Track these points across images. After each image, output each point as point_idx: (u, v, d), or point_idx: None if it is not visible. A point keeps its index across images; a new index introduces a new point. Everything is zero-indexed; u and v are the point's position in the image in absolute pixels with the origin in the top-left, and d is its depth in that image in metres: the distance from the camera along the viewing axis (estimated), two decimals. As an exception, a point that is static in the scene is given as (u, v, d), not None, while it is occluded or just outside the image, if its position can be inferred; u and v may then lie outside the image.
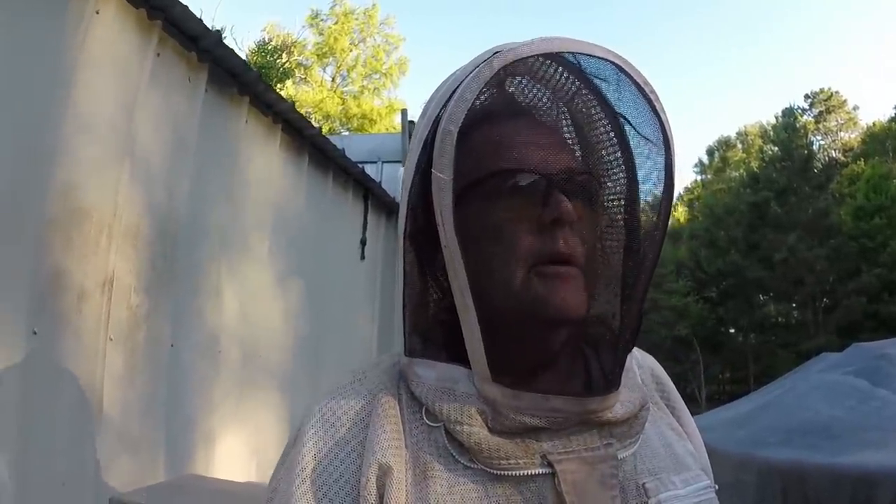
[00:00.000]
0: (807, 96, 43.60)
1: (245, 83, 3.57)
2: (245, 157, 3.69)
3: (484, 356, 0.82)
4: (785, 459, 4.16)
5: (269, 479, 0.92)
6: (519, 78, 0.94)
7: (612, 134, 0.93)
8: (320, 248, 4.49)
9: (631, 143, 0.91)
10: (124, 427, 2.59)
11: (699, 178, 54.06)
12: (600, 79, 0.90)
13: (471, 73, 0.84)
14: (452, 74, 0.91)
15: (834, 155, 41.60)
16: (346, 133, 25.76)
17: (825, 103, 42.43)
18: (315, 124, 4.71)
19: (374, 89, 31.46)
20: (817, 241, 34.83)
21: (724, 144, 51.35)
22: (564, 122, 0.98)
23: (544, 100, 0.97)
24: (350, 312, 4.99)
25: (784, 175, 38.93)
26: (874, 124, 40.46)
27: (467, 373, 0.86)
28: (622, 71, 0.85)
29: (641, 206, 0.90)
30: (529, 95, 0.96)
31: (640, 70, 0.86)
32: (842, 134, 42.31)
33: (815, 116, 42.69)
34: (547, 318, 0.83)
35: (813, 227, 35.26)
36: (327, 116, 28.55)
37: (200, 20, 3.05)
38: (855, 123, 42.28)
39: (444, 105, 0.86)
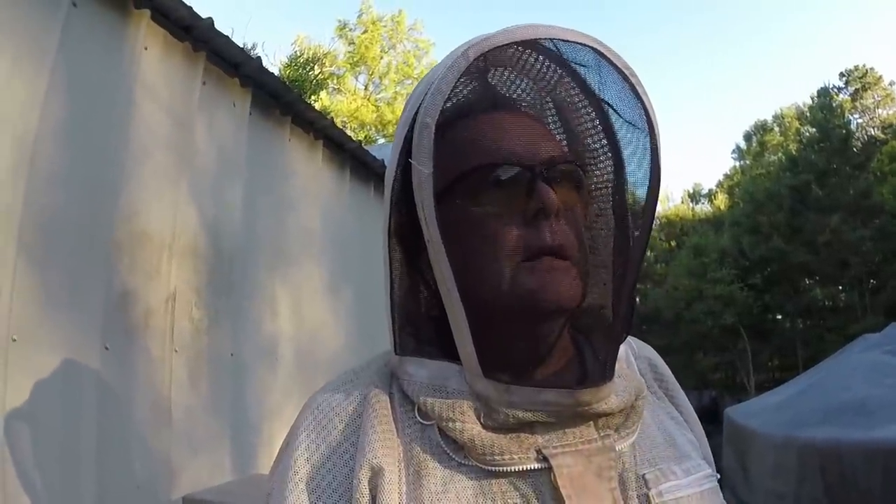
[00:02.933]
0: (841, 74, 42.60)
1: (287, 104, 3.73)
2: (291, 173, 3.84)
3: (474, 353, 0.81)
4: (822, 438, 4.19)
5: (267, 482, 0.91)
6: (500, 69, 0.93)
7: (596, 120, 0.92)
8: (366, 255, 4.60)
9: (615, 129, 0.90)
10: (192, 432, 2.74)
11: (738, 163, 53.21)
12: (580, 64, 0.89)
13: (447, 65, 0.82)
14: (434, 68, 0.88)
15: (873, 133, 40.55)
16: (382, 140, 25.87)
17: (861, 80, 41.47)
18: (351, 133, 4.82)
19: (407, 95, 31.44)
20: (860, 221, 34.09)
21: (762, 128, 50.32)
22: (548, 111, 0.97)
23: (526, 90, 0.96)
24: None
25: (823, 156, 38.15)
26: (912, 99, 39.62)
27: (459, 369, 0.85)
28: (601, 55, 0.83)
29: (628, 191, 0.89)
30: (511, 86, 0.95)
31: (619, 53, 0.84)
32: (879, 111, 41.25)
33: (851, 95, 41.68)
34: (538, 312, 0.82)
35: (855, 208, 34.53)
36: (363, 124, 28.64)
37: (241, 48, 3.22)
38: (892, 99, 41.18)
39: (423, 99, 0.83)
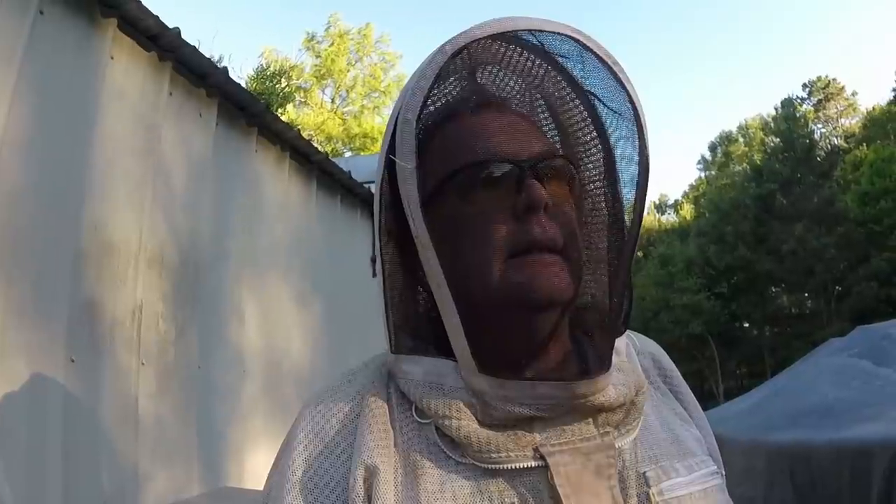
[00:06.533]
0: (804, 85, 43.42)
1: (253, 115, 3.72)
2: (258, 184, 3.82)
3: (467, 349, 0.80)
4: (790, 440, 4.25)
5: (265, 483, 0.92)
6: (484, 66, 0.93)
7: (582, 111, 0.92)
8: (335, 267, 4.59)
9: (600, 118, 0.90)
10: (159, 446, 2.70)
11: (703, 174, 53.87)
12: (562, 55, 0.89)
13: (427, 62, 0.82)
14: (418, 66, 0.86)
15: (836, 142, 41.35)
16: (349, 154, 25.85)
17: (823, 91, 42.24)
18: (318, 146, 4.83)
19: (374, 108, 31.51)
20: (825, 229, 34.64)
21: (726, 139, 51.00)
22: (534, 106, 0.98)
23: (510, 85, 0.96)
24: (367, 325, 5.09)
25: (787, 166, 38.78)
26: (874, 108, 40.25)
27: (454, 366, 0.84)
28: (582, 45, 0.83)
29: (618, 180, 0.89)
30: (496, 83, 0.96)
31: (599, 42, 0.84)
32: (842, 120, 42.06)
33: (814, 105, 42.46)
34: (529, 306, 0.80)
35: (819, 216, 35.10)
36: (329, 138, 28.61)
37: (209, 59, 3.21)
38: (855, 109, 42.03)
39: (405, 97, 0.83)
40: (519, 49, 0.90)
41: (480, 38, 0.81)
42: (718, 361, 36.02)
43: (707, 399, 32.57)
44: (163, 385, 2.78)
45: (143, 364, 2.66)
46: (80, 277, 2.42)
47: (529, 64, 0.92)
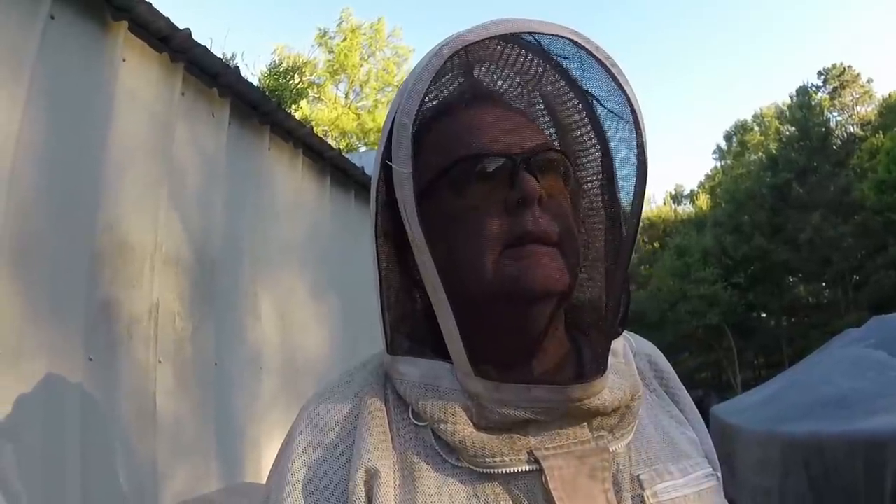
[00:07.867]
0: (820, 73, 42.91)
1: (265, 113, 3.74)
2: (271, 181, 3.84)
3: (463, 350, 0.80)
4: (804, 432, 4.24)
5: (265, 484, 0.92)
6: (480, 64, 0.93)
7: (579, 110, 0.92)
8: (349, 262, 4.60)
9: (598, 118, 0.90)
10: (177, 442, 2.73)
11: (719, 164, 53.42)
12: (559, 56, 0.88)
13: (423, 64, 0.82)
14: (415, 67, 0.86)
15: (852, 130, 40.89)
16: (364, 148, 25.84)
17: (839, 79, 41.80)
18: (332, 142, 4.82)
19: (388, 102, 31.38)
20: (841, 218, 34.37)
21: (742, 128, 50.46)
22: (534, 103, 0.98)
23: (505, 83, 0.96)
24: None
25: (803, 154, 38.53)
26: (890, 95, 39.76)
27: (450, 368, 0.84)
28: (579, 46, 0.83)
29: (616, 178, 0.88)
30: (490, 80, 0.96)
31: (598, 44, 0.83)
32: (858, 108, 41.56)
33: (829, 93, 42.01)
34: (524, 298, 0.80)
35: (836, 205, 34.85)
36: (344, 133, 28.62)
37: (219, 58, 3.23)
38: (871, 96, 41.54)
39: (402, 99, 0.83)
40: (517, 48, 0.90)
41: (477, 42, 0.81)
42: (736, 352, 35.81)
43: (725, 390, 32.41)
44: (180, 382, 2.81)
45: (160, 362, 2.69)
46: (97, 278, 2.45)
47: (527, 63, 0.92)
